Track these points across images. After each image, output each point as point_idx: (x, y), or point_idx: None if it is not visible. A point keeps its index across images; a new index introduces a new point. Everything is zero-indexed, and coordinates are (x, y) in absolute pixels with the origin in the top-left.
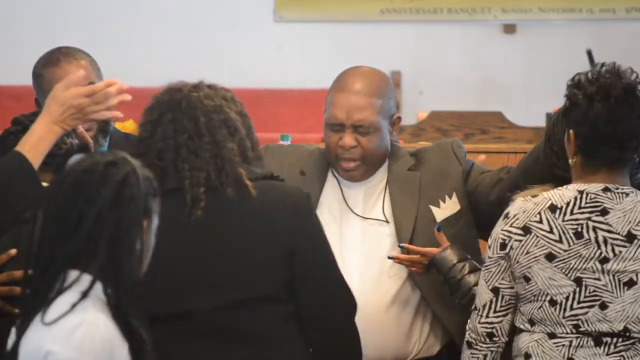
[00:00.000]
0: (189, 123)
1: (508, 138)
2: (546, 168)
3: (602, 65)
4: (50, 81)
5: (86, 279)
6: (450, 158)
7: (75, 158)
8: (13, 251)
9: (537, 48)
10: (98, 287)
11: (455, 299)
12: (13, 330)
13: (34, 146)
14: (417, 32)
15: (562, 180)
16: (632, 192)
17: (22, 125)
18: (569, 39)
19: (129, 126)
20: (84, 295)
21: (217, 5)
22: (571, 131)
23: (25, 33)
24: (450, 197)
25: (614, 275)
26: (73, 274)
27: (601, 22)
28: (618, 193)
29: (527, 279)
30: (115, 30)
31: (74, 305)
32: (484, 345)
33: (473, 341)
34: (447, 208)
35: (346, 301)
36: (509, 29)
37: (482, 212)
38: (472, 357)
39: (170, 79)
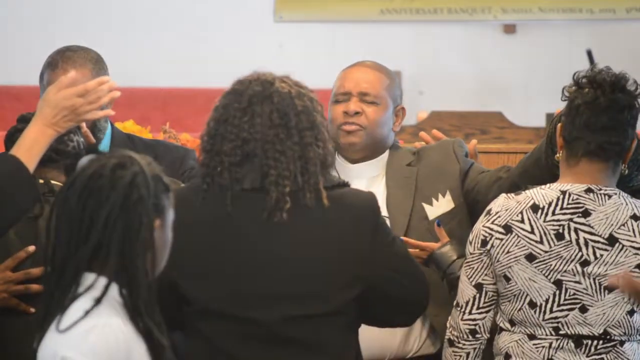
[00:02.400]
0: (279, 120)
1: (508, 138)
2: (546, 170)
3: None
4: (49, 84)
5: (102, 282)
6: (449, 156)
7: (84, 160)
8: (31, 248)
9: (537, 48)
10: (114, 289)
11: (454, 295)
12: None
13: (28, 150)
14: (417, 32)
15: None
16: (615, 193)
17: (28, 123)
18: (569, 39)
19: (129, 126)
20: (97, 302)
21: (217, 5)
22: (559, 124)
23: (25, 33)
24: (444, 195)
25: (594, 279)
26: (90, 277)
27: (601, 22)
28: (601, 194)
29: (507, 279)
30: (115, 30)
31: (87, 312)
32: (467, 343)
33: (455, 339)
34: (440, 206)
35: (425, 290)
36: (509, 29)
37: (480, 211)
38: (455, 355)
39: (170, 79)
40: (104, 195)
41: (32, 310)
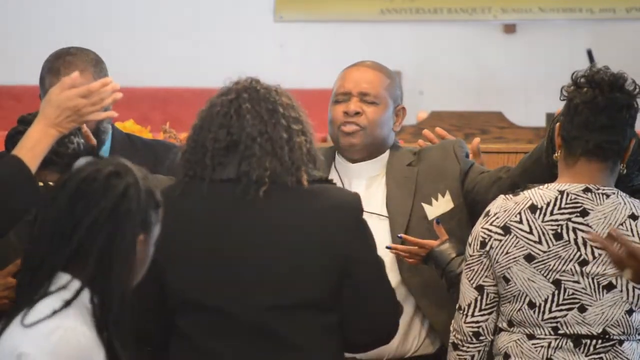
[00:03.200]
0: (266, 112)
1: (508, 138)
2: (547, 169)
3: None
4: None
5: (75, 285)
6: (449, 157)
7: (81, 162)
8: None
9: (537, 48)
10: (85, 295)
11: (452, 293)
12: None
13: (30, 150)
14: (417, 32)
15: None
16: (614, 193)
17: (29, 125)
18: (569, 39)
19: (129, 126)
20: (67, 303)
21: (217, 5)
22: (557, 124)
23: (26, 33)
24: (444, 195)
25: (593, 279)
26: (64, 277)
27: (601, 22)
28: (599, 194)
29: (507, 280)
30: (115, 30)
31: (55, 312)
32: (471, 346)
33: (459, 342)
34: (439, 206)
35: (393, 311)
36: (509, 29)
37: (480, 211)
38: (459, 358)
39: (170, 79)
40: (95, 200)
41: None
